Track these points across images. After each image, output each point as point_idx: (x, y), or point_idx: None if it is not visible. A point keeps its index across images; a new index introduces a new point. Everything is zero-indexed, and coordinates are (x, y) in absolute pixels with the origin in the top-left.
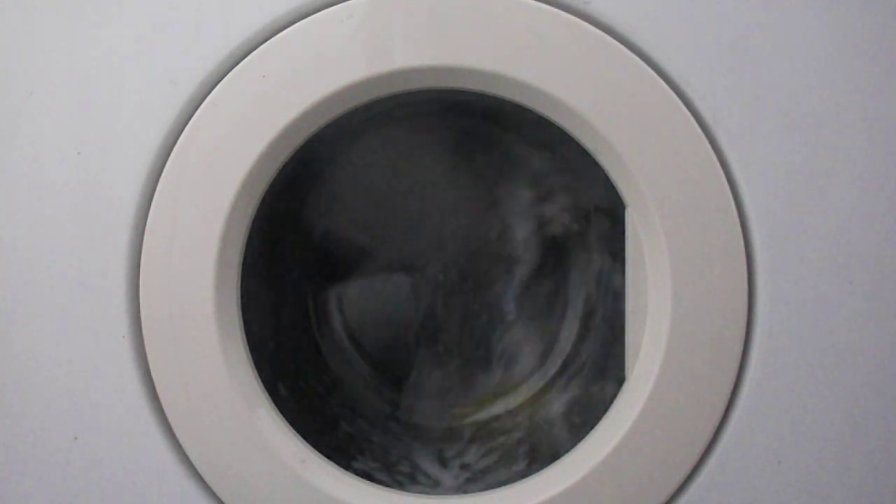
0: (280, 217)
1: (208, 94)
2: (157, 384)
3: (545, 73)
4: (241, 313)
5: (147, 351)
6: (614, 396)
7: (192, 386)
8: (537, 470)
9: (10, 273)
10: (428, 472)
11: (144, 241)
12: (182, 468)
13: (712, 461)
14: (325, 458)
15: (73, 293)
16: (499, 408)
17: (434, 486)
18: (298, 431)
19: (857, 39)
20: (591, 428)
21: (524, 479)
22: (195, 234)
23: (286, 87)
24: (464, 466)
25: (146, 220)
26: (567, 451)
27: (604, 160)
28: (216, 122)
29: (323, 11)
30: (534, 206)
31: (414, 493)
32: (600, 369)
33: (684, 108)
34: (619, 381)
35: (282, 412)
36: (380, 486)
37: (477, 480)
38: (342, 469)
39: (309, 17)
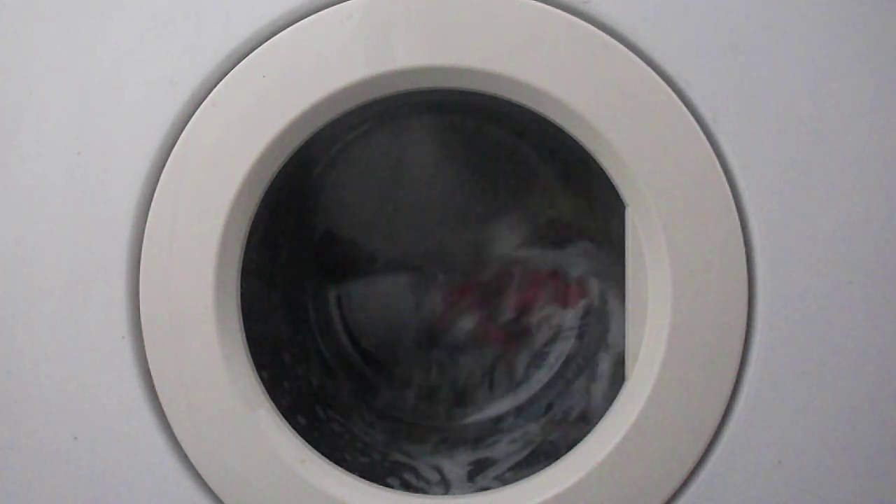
0: (280, 217)
1: (208, 94)
2: (157, 384)
3: (545, 73)
4: (241, 313)
5: (147, 351)
6: (615, 396)
7: (192, 386)
8: (538, 469)
9: (10, 273)
10: (427, 472)
11: (144, 241)
12: (182, 468)
13: (712, 461)
14: (325, 458)
15: (73, 293)
16: (499, 407)
17: (434, 486)
18: (297, 431)
19: (857, 40)
20: (592, 428)
21: (524, 479)
22: (195, 234)
23: (286, 87)
24: (465, 465)
25: (146, 220)
26: (567, 450)
27: (604, 160)
28: (216, 122)
29: (323, 11)
30: (535, 205)
31: (414, 493)
32: (602, 368)
33: (684, 108)
34: (620, 381)
35: (281, 412)
36: (380, 486)
37: (478, 480)
38: (342, 469)
39: (309, 17)
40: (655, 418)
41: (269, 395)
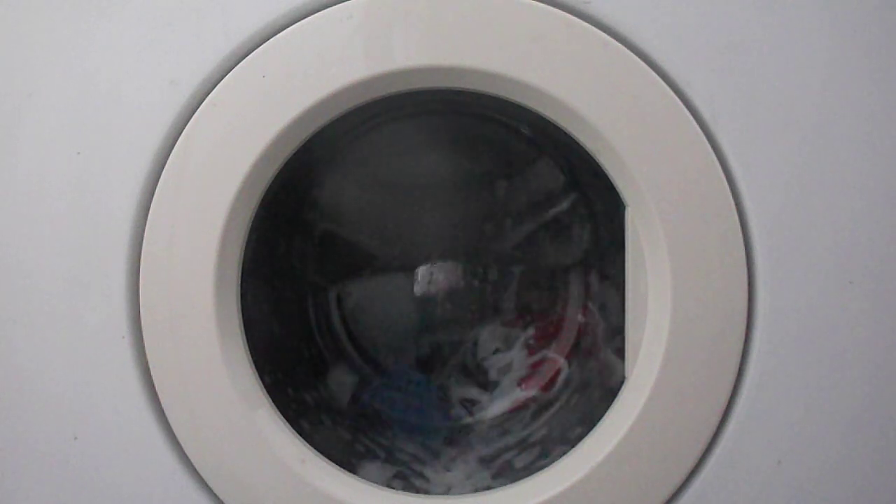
0: (280, 217)
1: (208, 94)
2: (157, 384)
3: (545, 73)
4: (241, 313)
5: (147, 351)
6: (614, 398)
7: (192, 386)
8: (537, 469)
9: (10, 273)
10: (429, 472)
11: (144, 241)
12: (182, 468)
13: (712, 461)
14: (325, 458)
15: (73, 293)
16: (498, 407)
17: (436, 486)
18: (297, 431)
19: (857, 40)
20: (591, 428)
21: (524, 479)
22: (195, 234)
23: (286, 87)
24: (466, 465)
25: (146, 220)
26: (568, 450)
27: (604, 160)
28: (216, 122)
29: (323, 11)
30: (534, 205)
31: (414, 493)
32: (600, 369)
33: (684, 108)
34: (620, 380)
35: (281, 412)
36: (380, 486)
37: (477, 480)
38: (342, 469)
39: (309, 17)
40: (655, 418)
41: (272, 401)
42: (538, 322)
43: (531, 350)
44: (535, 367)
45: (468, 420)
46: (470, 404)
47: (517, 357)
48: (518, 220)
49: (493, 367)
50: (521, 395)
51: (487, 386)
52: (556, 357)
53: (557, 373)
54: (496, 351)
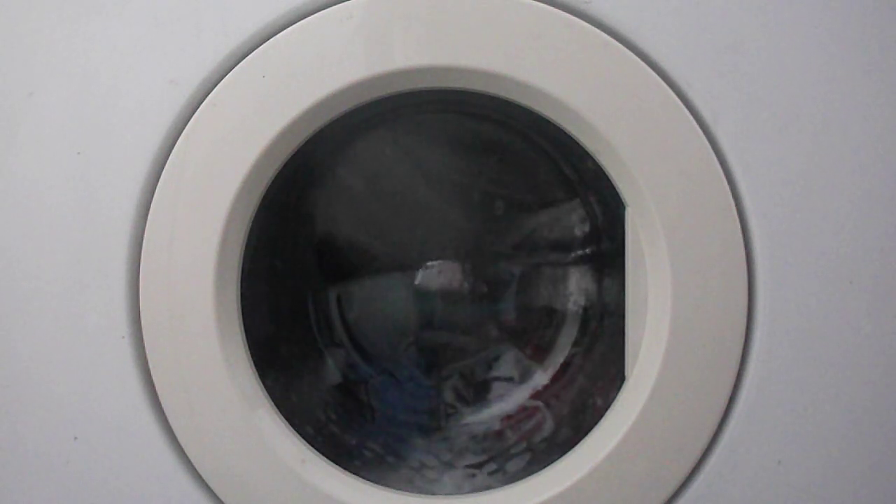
0: (280, 217)
1: (208, 94)
2: (157, 384)
3: (545, 73)
4: (241, 313)
5: (147, 351)
6: (614, 396)
7: (192, 386)
8: (536, 470)
9: (10, 273)
10: (427, 472)
11: (144, 241)
12: (182, 468)
13: (712, 461)
14: (325, 458)
15: (73, 293)
16: (498, 408)
17: (436, 486)
18: (297, 432)
19: (857, 39)
20: (592, 428)
21: (524, 479)
22: (195, 234)
23: (286, 87)
24: (462, 466)
25: (146, 220)
26: (566, 451)
27: (604, 160)
28: (216, 122)
29: (323, 11)
30: (534, 205)
31: (414, 493)
32: (599, 369)
33: (684, 108)
34: (620, 380)
35: (281, 412)
36: (380, 486)
37: (477, 480)
38: (342, 469)
39: (309, 17)
40: (655, 418)
41: (275, 405)
42: (554, 374)
43: (534, 394)
44: (523, 410)
45: (436, 423)
46: (450, 410)
47: (520, 393)
48: (519, 220)
49: (495, 390)
50: (497, 427)
51: (477, 401)
52: (547, 417)
53: (538, 429)
54: (510, 378)
